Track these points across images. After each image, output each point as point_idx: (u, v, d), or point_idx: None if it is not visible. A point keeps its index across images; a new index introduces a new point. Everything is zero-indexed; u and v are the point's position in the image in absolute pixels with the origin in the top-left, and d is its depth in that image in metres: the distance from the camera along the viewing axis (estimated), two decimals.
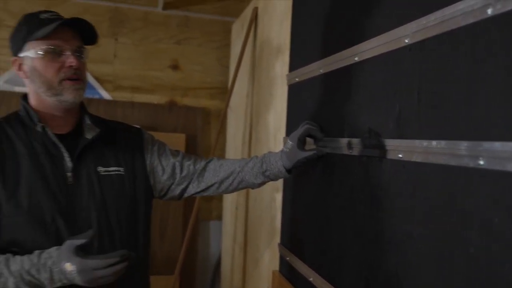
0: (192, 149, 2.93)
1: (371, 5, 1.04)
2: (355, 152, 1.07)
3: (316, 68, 1.33)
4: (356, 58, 1.09)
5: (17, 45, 1.12)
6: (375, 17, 1.02)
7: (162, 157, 1.29)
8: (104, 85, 2.86)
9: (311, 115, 1.37)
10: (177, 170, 1.29)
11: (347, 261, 1.09)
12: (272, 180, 1.30)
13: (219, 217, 3.08)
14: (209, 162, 1.33)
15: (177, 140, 2.82)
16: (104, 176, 1.16)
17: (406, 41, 0.89)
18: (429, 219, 0.79)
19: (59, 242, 1.03)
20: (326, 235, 1.23)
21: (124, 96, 2.90)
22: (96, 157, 1.16)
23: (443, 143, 0.75)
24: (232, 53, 2.95)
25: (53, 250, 1.00)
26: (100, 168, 1.16)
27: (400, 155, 0.88)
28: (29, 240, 1.04)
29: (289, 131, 1.58)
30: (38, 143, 1.10)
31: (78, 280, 0.97)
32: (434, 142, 0.78)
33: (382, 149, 0.95)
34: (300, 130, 1.23)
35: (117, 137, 1.24)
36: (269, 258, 1.80)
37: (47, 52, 1.08)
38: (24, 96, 1.16)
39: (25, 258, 0.99)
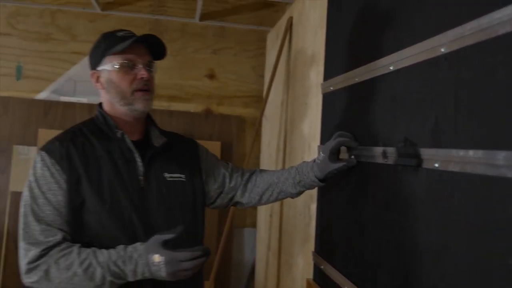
0: (227, 157, 2.98)
1: (406, 15, 1.05)
2: (390, 161, 1.07)
3: (351, 77, 1.34)
4: (391, 67, 1.09)
5: (95, 60, 1.23)
6: (410, 27, 1.02)
7: (214, 167, 1.39)
8: None
9: (345, 123, 1.38)
10: (227, 180, 1.39)
11: (382, 272, 1.09)
12: (308, 189, 1.36)
13: (253, 224, 3.10)
14: (252, 173, 1.42)
15: (212, 148, 2.84)
16: (170, 182, 1.25)
17: (442, 50, 0.88)
18: (467, 230, 0.78)
19: (134, 239, 1.12)
20: (360, 244, 1.23)
21: (162, 104, 2.99)
22: (162, 163, 1.26)
23: (480, 152, 0.75)
24: (267, 62, 2.99)
25: (138, 245, 1.08)
26: (166, 174, 1.25)
27: (436, 165, 0.88)
28: (108, 236, 1.12)
29: (323, 139, 1.58)
30: (115, 147, 1.20)
31: (162, 272, 1.04)
32: (471, 152, 0.77)
33: (418, 158, 0.94)
34: (332, 143, 1.25)
35: (178, 147, 1.34)
36: (303, 265, 1.81)
37: (122, 66, 1.18)
38: (100, 105, 1.27)
39: (112, 251, 1.07)
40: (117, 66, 1.18)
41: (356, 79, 1.30)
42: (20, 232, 1.09)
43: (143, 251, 1.06)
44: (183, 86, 3.04)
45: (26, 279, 1.07)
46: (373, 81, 1.20)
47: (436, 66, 0.91)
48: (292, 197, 1.39)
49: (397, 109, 1.06)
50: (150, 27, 2.99)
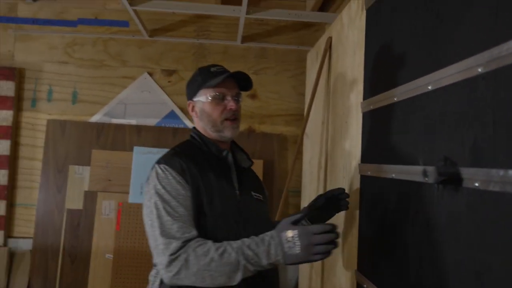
0: (270, 174, 3.02)
1: (443, 35, 1.06)
2: (431, 180, 1.07)
3: (390, 96, 1.35)
4: (429, 87, 1.10)
5: (192, 92, 1.43)
6: (447, 46, 1.04)
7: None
8: (188, 115, 3.09)
9: (385, 142, 1.39)
10: None
11: None
12: None
13: None
14: None
15: (255, 166, 2.90)
16: (256, 200, 1.42)
17: (479, 70, 0.89)
18: (509, 250, 0.78)
19: (229, 234, 1.24)
20: (402, 263, 1.22)
21: None
22: (249, 183, 1.45)
23: None
24: (307, 81, 3.03)
25: (267, 232, 1.18)
26: (252, 193, 1.43)
27: (477, 184, 0.88)
28: (221, 239, 1.21)
29: (364, 158, 1.60)
30: (216, 164, 1.37)
31: (297, 247, 1.11)
32: (510, 172, 0.77)
33: (458, 177, 0.94)
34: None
35: (254, 170, 1.55)
36: (346, 284, 1.80)
37: (214, 98, 1.37)
38: (194, 129, 1.46)
39: (245, 238, 1.18)
40: (210, 98, 1.37)
41: (395, 98, 1.31)
42: (156, 232, 1.18)
43: (275, 232, 1.15)
44: None
45: (167, 273, 1.14)
46: (411, 100, 1.21)
47: (474, 86, 0.91)
48: None
49: (436, 128, 1.07)
50: (194, 51, 3.12)
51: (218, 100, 1.37)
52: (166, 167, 1.27)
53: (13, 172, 2.97)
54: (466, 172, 0.92)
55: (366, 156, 1.57)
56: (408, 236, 1.19)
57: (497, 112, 0.84)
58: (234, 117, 1.39)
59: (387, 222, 1.35)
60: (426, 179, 1.09)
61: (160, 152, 2.93)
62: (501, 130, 0.82)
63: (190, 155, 1.33)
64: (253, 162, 1.48)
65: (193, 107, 1.44)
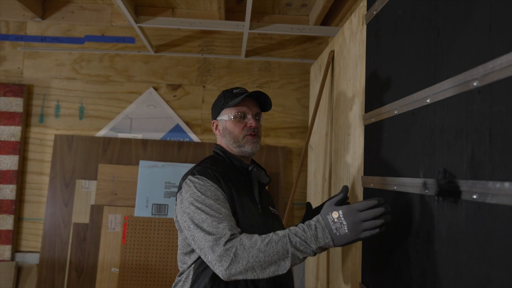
0: (275, 186, 3.03)
1: (441, 48, 1.08)
2: (431, 192, 1.08)
3: (391, 109, 1.37)
4: (428, 100, 1.12)
5: (216, 112, 1.55)
6: (444, 60, 1.05)
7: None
8: (194, 128, 3.12)
9: (386, 154, 1.40)
10: None
11: None
12: None
13: None
14: None
15: None
16: (274, 214, 1.50)
17: (475, 84, 0.91)
18: (509, 262, 0.78)
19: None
20: (405, 275, 1.22)
21: (211, 138, 3.12)
22: (266, 197, 1.54)
23: None
24: (311, 93, 3.06)
25: (313, 217, 1.20)
26: (270, 207, 1.51)
27: (475, 196, 0.89)
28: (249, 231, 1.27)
29: (366, 170, 1.61)
30: (241, 179, 1.45)
31: (344, 227, 1.10)
32: (506, 184, 0.78)
33: (457, 190, 0.95)
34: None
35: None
36: None
37: (235, 116, 1.48)
38: (217, 145, 1.55)
39: (291, 227, 1.19)
40: (232, 117, 1.48)
41: (395, 111, 1.33)
42: (201, 233, 1.21)
43: (320, 216, 1.15)
44: None
45: (219, 267, 1.16)
46: (411, 113, 1.23)
47: (470, 99, 0.93)
48: None
49: (436, 141, 1.08)
50: (199, 65, 3.17)
51: (239, 118, 1.48)
52: (202, 177, 1.34)
53: (21, 186, 3.01)
54: (465, 185, 0.93)
55: (369, 169, 1.59)
56: (410, 247, 1.20)
57: (493, 125, 0.85)
58: (254, 133, 1.48)
59: (390, 234, 1.35)
60: (426, 191, 1.10)
61: (166, 166, 2.98)
62: (497, 143, 0.83)
63: (219, 168, 1.40)
64: (271, 179, 1.55)
65: (216, 125, 1.55)
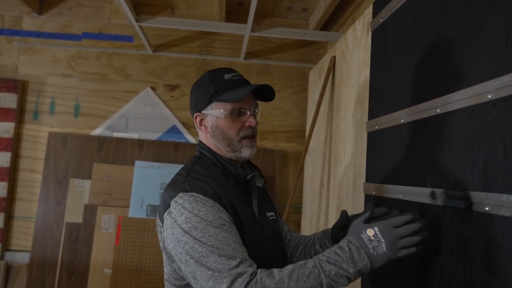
0: (271, 190, 3.02)
1: (452, 59, 1.08)
2: (439, 202, 1.08)
3: (397, 118, 1.37)
4: (438, 110, 1.12)
5: (201, 103, 1.19)
6: (457, 71, 1.05)
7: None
8: (190, 130, 3.10)
9: (391, 162, 1.40)
10: (285, 227, 1.45)
11: None
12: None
13: None
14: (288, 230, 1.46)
15: None
16: (271, 220, 1.25)
17: (490, 96, 0.91)
18: None
19: (268, 262, 1.06)
20: (413, 286, 1.22)
21: None
22: (264, 203, 1.26)
23: None
24: (309, 98, 3.06)
25: (341, 240, 1.02)
26: (268, 213, 1.25)
27: (487, 208, 0.89)
28: (256, 256, 1.05)
29: (369, 177, 1.61)
30: (237, 187, 1.17)
31: (382, 245, 0.96)
32: None
33: (468, 201, 0.95)
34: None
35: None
36: None
37: (232, 114, 1.16)
38: (202, 144, 1.23)
39: (319, 254, 1.00)
40: (227, 114, 1.15)
41: (402, 120, 1.33)
42: (210, 270, 0.96)
43: (351, 237, 0.99)
44: None
45: None
46: (419, 122, 1.23)
47: (484, 111, 0.93)
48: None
49: (445, 151, 1.08)
50: (198, 66, 3.15)
51: (236, 116, 1.16)
52: (198, 195, 1.05)
53: (12, 184, 2.96)
54: (477, 196, 0.93)
55: (371, 176, 1.58)
56: (417, 258, 1.20)
57: (507, 138, 0.85)
58: (252, 135, 1.19)
59: None
60: (434, 201, 1.10)
61: (161, 166, 2.95)
62: (511, 156, 0.83)
63: (211, 178, 1.13)
64: (265, 179, 1.30)
65: (201, 120, 1.21)
